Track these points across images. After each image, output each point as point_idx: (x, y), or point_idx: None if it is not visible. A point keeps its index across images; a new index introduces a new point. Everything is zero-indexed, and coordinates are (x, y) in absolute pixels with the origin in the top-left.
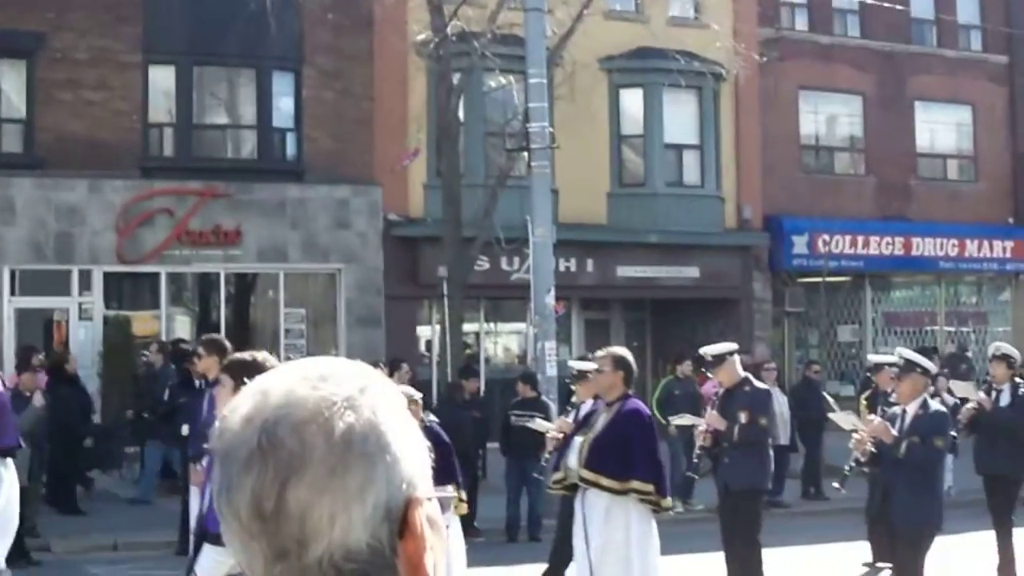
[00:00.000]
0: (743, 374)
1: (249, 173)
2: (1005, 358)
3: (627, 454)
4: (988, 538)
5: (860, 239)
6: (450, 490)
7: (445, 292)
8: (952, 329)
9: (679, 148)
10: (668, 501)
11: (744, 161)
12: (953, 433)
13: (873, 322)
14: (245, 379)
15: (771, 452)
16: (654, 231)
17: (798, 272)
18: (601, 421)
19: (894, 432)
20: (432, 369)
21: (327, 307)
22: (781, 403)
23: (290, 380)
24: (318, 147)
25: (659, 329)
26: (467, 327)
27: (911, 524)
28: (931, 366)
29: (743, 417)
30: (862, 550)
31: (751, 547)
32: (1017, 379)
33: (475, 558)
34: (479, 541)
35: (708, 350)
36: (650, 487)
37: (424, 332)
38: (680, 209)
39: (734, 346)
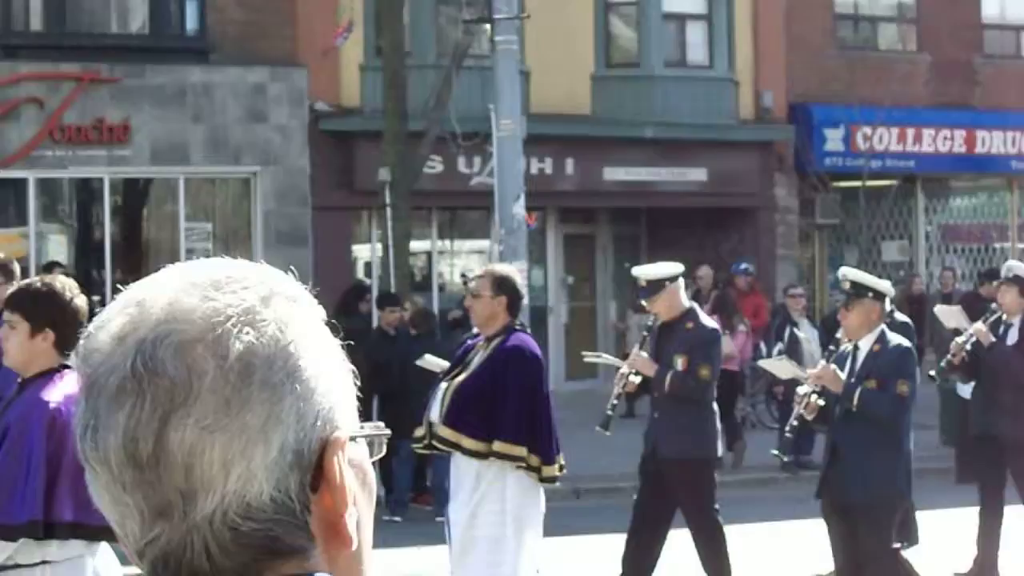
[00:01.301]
0: (687, 304)
1: (139, 53)
2: (1018, 282)
3: (493, 407)
4: (961, 518)
5: (910, 133)
6: (382, 427)
7: (388, 201)
8: None
9: (681, 18)
10: (553, 468)
11: (763, 35)
12: (932, 373)
13: (927, 237)
14: (40, 318)
15: (715, 411)
16: (650, 123)
17: (832, 174)
18: (476, 362)
19: (843, 377)
20: (371, 299)
21: (239, 221)
22: (811, 338)
23: (174, 288)
24: (226, 19)
25: (657, 247)
26: (416, 245)
27: (870, 495)
28: (886, 288)
29: (679, 363)
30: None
31: (704, 531)
32: None
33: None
34: (428, 509)
35: (643, 272)
36: (520, 450)
37: (362, 252)
38: (683, 95)
39: (677, 268)
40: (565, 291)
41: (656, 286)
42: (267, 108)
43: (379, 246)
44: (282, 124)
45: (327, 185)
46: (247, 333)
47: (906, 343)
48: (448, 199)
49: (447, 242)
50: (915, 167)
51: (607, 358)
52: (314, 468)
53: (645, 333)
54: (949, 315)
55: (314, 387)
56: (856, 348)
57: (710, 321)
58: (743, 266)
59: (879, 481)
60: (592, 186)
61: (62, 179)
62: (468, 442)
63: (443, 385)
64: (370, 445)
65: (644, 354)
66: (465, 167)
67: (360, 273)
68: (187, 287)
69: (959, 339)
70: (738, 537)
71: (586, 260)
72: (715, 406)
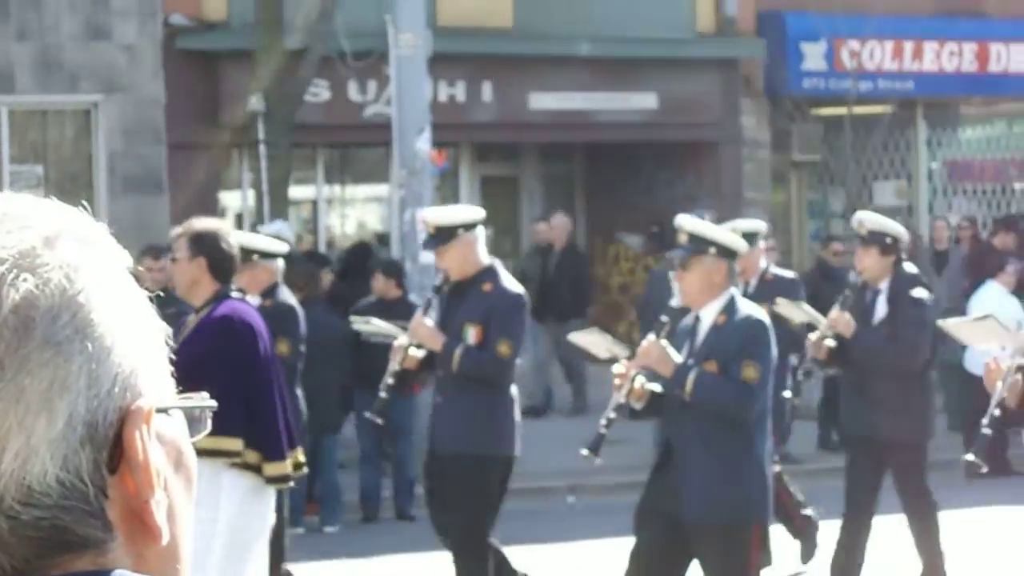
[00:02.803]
0: (485, 261)
1: None
2: (877, 239)
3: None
4: (976, 521)
5: (909, 47)
6: (206, 398)
7: (261, 137)
8: None
9: None
10: (281, 466)
11: None
12: (787, 393)
13: (930, 176)
14: None
15: (513, 399)
16: (586, 38)
17: (812, 100)
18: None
19: (678, 359)
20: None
21: (78, 163)
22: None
23: None
24: None
25: (595, 190)
26: (298, 191)
27: (712, 512)
28: (735, 243)
29: (471, 334)
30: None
31: (469, 548)
32: (904, 267)
33: (312, 545)
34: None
35: (431, 217)
36: (233, 443)
37: (231, 200)
38: (626, 4)
39: (475, 213)
40: None
41: (446, 234)
42: (110, 22)
43: (252, 192)
44: (129, 43)
45: (186, 118)
46: (25, 280)
47: (758, 314)
48: (337, 134)
49: (336, 187)
50: (914, 89)
51: (378, 324)
52: (112, 444)
53: (430, 295)
54: (793, 309)
55: (110, 346)
56: (697, 320)
57: (514, 283)
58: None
59: (725, 493)
60: (515, 117)
61: None
62: None
63: None
64: (192, 420)
65: (429, 322)
66: (357, 94)
67: (230, 226)
68: None
69: (813, 336)
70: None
71: (508, 207)
72: (514, 392)
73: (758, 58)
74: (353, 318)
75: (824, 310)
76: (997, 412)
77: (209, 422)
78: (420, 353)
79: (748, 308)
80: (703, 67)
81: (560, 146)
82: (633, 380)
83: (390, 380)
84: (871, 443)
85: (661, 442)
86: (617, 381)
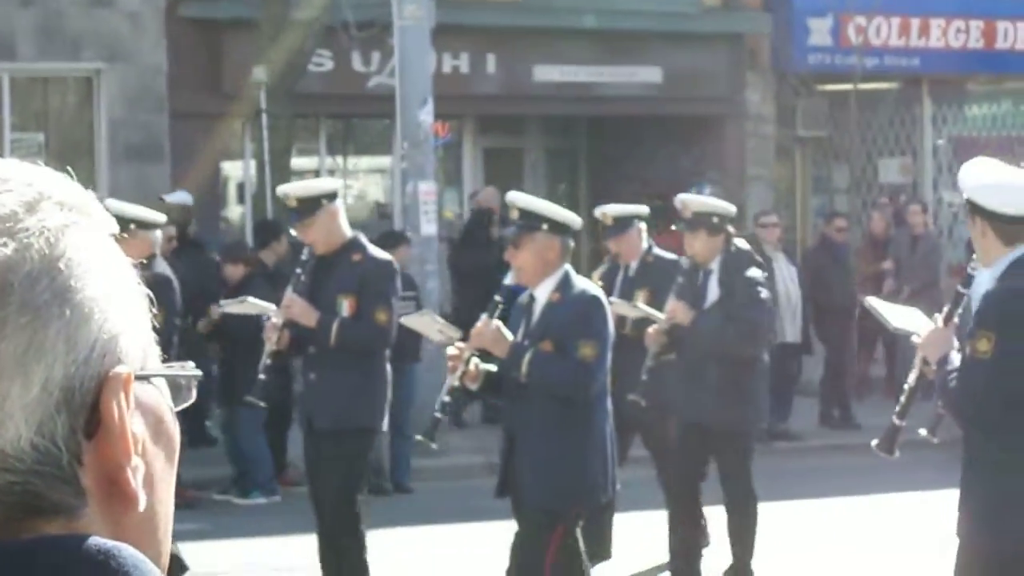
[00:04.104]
0: (349, 233)
1: None
2: (703, 221)
3: None
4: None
5: (915, 23)
6: (191, 367)
7: (264, 107)
8: None
9: None
10: None
11: None
12: (633, 396)
13: (935, 153)
14: None
15: (387, 371)
16: (591, 10)
17: (817, 75)
18: None
19: (512, 339)
20: (245, 225)
21: (79, 131)
22: (786, 278)
23: None
24: None
25: (599, 164)
26: (300, 161)
27: (552, 495)
28: (568, 219)
29: (345, 306)
30: (906, 505)
31: (345, 529)
32: (736, 245)
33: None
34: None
35: (291, 190)
36: None
37: (233, 170)
38: None
39: (335, 184)
40: None
41: (311, 204)
42: None
43: (253, 163)
44: (132, 10)
45: (189, 87)
46: (4, 245)
47: (593, 291)
48: (340, 105)
49: (339, 158)
50: (920, 66)
51: (253, 303)
52: (89, 410)
53: (299, 270)
54: (626, 307)
55: (89, 312)
56: (532, 299)
57: (382, 251)
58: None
59: (564, 476)
60: (519, 89)
61: None
62: None
63: None
64: (175, 388)
65: (298, 298)
66: (361, 65)
67: (231, 196)
68: None
69: (651, 330)
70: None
71: (512, 180)
72: (387, 365)
73: (764, 33)
74: (223, 301)
75: (827, 286)
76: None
77: (194, 391)
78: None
79: (582, 284)
80: (709, 41)
81: (564, 119)
82: (468, 362)
83: (268, 361)
84: (701, 430)
85: (504, 427)
86: (451, 364)
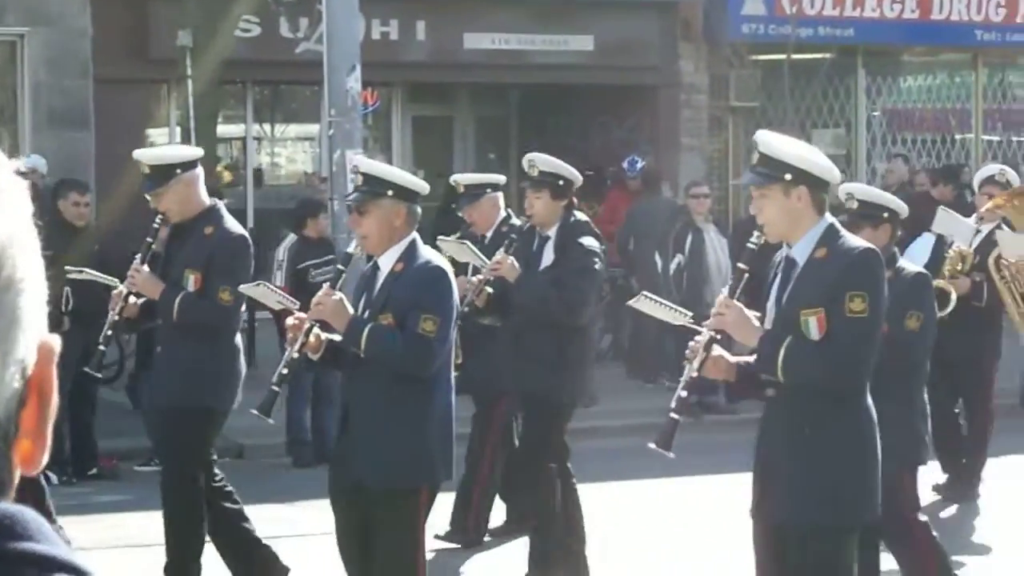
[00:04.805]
0: (207, 202)
1: None
2: (548, 181)
3: None
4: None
5: None
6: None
7: (189, 72)
8: (994, 138)
9: None
10: None
11: None
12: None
13: (869, 125)
14: None
15: (237, 348)
16: None
17: (751, 45)
18: None
19: (352, 312)
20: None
21: (2, 95)
22: (717, 248)
23: None
24: None
25: (530, 133)
26: (227, 129)
27: (386, 477)
28: (415, 184)
29: (192, 280)
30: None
31: (179, 497)
32: (576, 214)
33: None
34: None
35: (148, 157)
36: None
37: (158, 136)
38: None
39: (194, 152)
40: None
41: (163, 174)
42: None
43: (179, 129)
44: None
45: (114, 51)
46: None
47: (437, 261)
48: (267, 71)
49: (266, 126)
50: (855, 36)
51: (91, 273)
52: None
53: (150, 239)
54: (457, 248)
55: (36, 287)
56: (376, 268)
57: (236, 225)
58: (638, 163)
59: (399, 457)
60: (449, 56)
61: None
62: None
63: None
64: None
65: (145, 269)
66: (289, 31)
67: None
68: None
69: (474, 279)
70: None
71: (442, 149)
72: (238, 341)
73: (697, 2)
74: (67, 267)
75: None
76: (684, 394)
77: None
78: (139, 301)
79: (428, 254)
80: (641, 10)
81: (495, 87)
82: (308, 333)
83: (109, 332)
84: (523, 398)
85: (342, 400)
86: (291, 335)
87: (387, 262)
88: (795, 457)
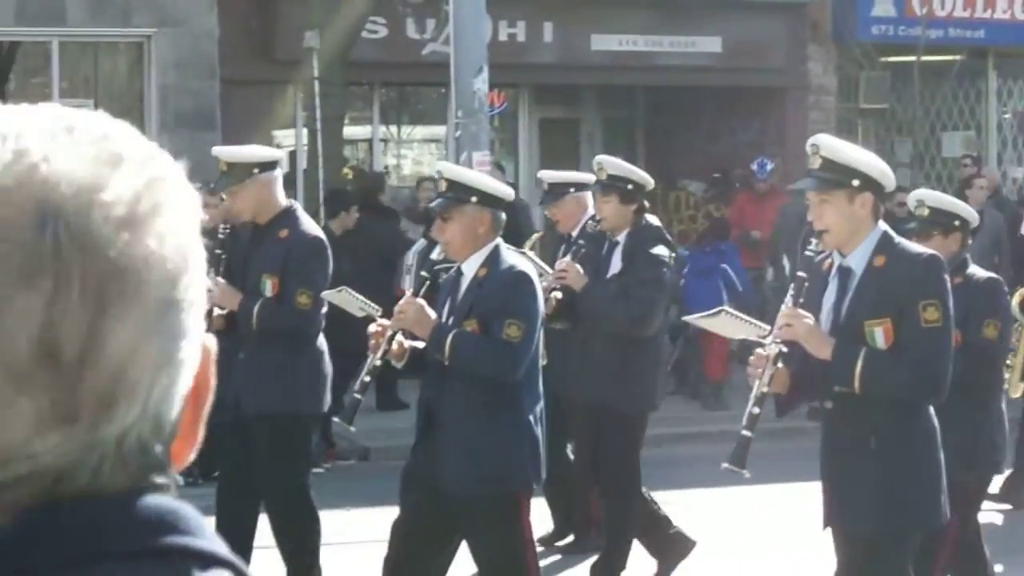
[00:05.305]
0: (281, 206)
1: None
2: (617, 186)
3: None
4: None
5: None
6: None
7: (316, 74)
8: None
9: None
10: None
11: None
12: None
13: (1000, 128)
14: None
15: (321, 352)
16: None
17: (880, 46)
18: None
19: (435, 318)
20: (296, 193)
21: (129, 98)
22: None
23: (63, 146)
24: None
25: (656, 135)
26: (353, 130)
27: (474, 487)
28: (499, 191)
29: (269, 286)
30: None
31: (292, 514)
32: (647, 219)
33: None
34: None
35: (225, 153)
36: None
37: (285, 138)
38: None
39: (267, 153)
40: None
41: (240, 172)
42: None
43: (305, 131)
44: None
45: (241, 53)
46: (171, 217)
47: (522, 266)
48: (394, 72)
49: (392, 127)
50: (986, 38)
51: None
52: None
53: (219, 250)
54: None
55: (197, 300)
56: (459, 274)
57: (313, 226)
58: (767, 166)
59: (487, 462)
60: (576, 58)
61: None
62: None
63: None
64: None
65: (221, 281)
66: (415, 32)
67: (283, 164)
68: (85, 151)
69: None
70: None
71: (568, 151)
72: (322, 344)
73: (825, 3)
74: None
75: None
76: (756, 410)
77: None
78: (223, 312)
79: (511, 259)
80: (770, 11)
81: (621, 89)
82: (391, 340)
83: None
84: (588, 408)
85: (421, 405)
86: (373, 342)
87: (471, 268)
88: (863, 469)
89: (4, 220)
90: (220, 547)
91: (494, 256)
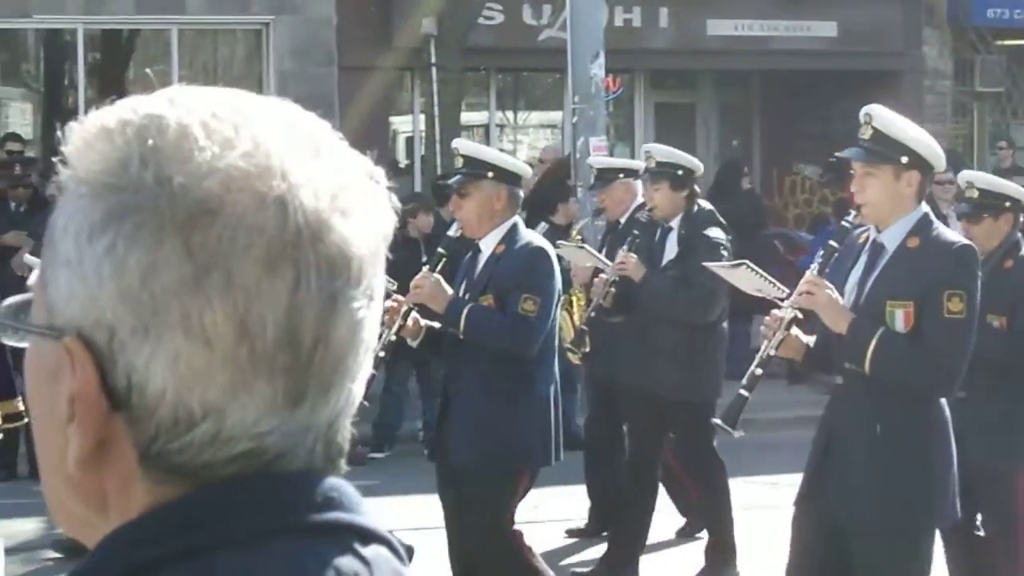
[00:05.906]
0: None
1: None
2: (667, 172)
3: None
4: None
5: None
6: None
7: (433, 60)
8: None
9: None
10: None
11: None
12: (568, 345)
13: None
14: None
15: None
16: None
17: (996, 30)
18: None
19: (452, 293)
20: (414, 180)
21: (248, 83)
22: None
23: (278, 138)
24: None
25: (772, 119)
26: (470, 116)
27: (483, 458)
28: (516, 167)
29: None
30: None
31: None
32: (700, 204)
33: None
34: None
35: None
36: None
37: (402, 124)
38: None
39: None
40: None
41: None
42: None
43: (423, 117)
44: None
45: (358, 39)
46: (370, 209)
47: (539, 242)
48: (510, 58)
49: (509, 113)
50: None
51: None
52: None
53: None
54: (576, 252)
55: (377, 306)
56: (477, 251)
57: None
58: None
59: (497, 439)
60: (692, 43)
61: (25, 30)
62: None
63: None
64: None
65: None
66: (532, 18)
67: (400, 151)
68: (295, 142)
69: (598, 279)
70: None
71: (684, 135)
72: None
73: None
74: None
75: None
76: (759, 371)
77: None
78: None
79: (529, 236)
80: None
81: (737, 74)
82: (406, 316)
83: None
84: (650, 396)
85: (443, 382)
86: (387, 317)
87: (488, 244)
88: (865, 456)
89: (244, 207)
90: (379, 523)
91: (512, 233)
